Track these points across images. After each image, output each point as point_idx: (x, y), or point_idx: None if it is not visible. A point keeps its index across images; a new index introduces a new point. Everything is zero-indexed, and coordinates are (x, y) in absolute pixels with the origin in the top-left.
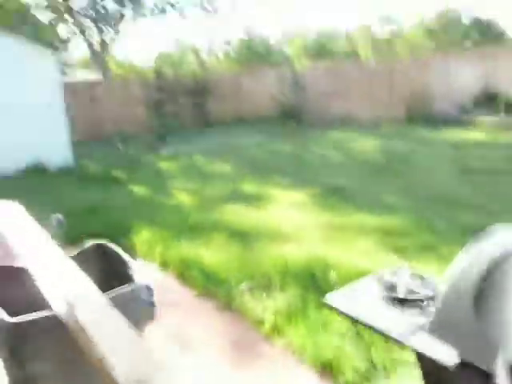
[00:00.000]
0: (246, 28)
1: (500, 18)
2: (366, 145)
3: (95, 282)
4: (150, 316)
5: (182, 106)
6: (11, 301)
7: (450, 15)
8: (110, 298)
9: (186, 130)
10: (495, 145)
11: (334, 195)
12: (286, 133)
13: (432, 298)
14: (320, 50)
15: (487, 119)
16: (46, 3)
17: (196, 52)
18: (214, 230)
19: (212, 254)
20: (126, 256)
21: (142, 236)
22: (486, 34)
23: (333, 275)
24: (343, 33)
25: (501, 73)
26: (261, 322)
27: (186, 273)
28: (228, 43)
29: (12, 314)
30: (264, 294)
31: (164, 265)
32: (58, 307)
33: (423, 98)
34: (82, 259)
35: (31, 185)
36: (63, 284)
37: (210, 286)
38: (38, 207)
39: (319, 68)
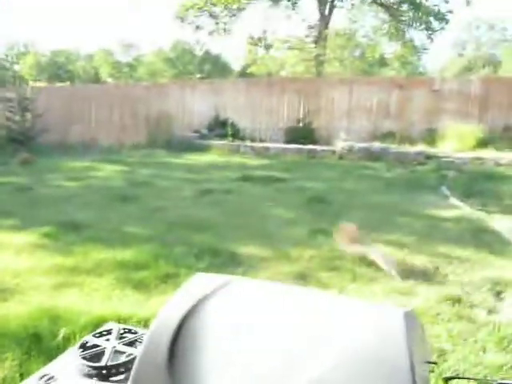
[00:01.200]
0: None
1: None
2: (108, 173)
3: None
4: None
5: None
6: None
7: (184, 47)
8: None
9: None
10: (227, 167)
11: (70, 233)
12: (15, 162)
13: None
14: (56, 71)
15: (219, 143)
16: None
17: None
18: None
19: None
20: None
21: None
22: (215, 66)
23: (62, 331)
24: (82, 55)
25: (228, 102)
26: None
27: None
28: None
29: None
30: None
31: None
32: None
33: (164, 124)
34: None
35: None
36: None
37: None
38: None
39: (56, 89)
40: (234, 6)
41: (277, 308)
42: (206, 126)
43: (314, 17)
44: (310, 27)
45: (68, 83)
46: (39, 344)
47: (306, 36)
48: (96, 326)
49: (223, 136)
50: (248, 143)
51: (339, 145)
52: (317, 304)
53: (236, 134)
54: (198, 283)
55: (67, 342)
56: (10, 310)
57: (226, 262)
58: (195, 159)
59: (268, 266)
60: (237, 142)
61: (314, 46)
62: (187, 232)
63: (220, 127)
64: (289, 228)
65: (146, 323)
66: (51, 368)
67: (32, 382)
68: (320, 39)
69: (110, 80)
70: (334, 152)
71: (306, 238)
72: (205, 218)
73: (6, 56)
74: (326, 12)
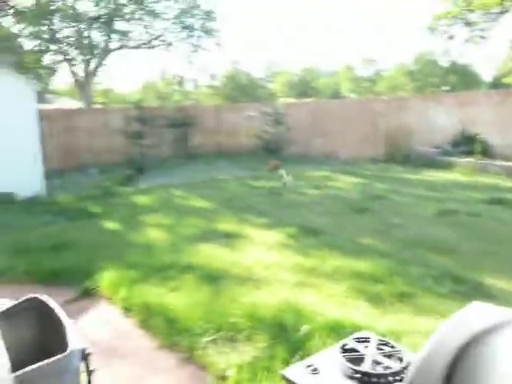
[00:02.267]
0: (232, 63)
1: (476, 62)
2: (345, 184)
3: (28, 342)
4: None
5: (163, 138)
6: None
7: (428, 58)
8: (36, 369)
9: (166, 162)
10: (473, 187)
11: (310, 236)
12: (266, 169)
13: (400, 373)
14: (304, 88)
15: (463, 161)
16: (31, 31)
17: (181, 84)
18: (184, 272)
19: (179, 299)
20: (62, 314)
21: (107, 277)
22: (462, 77)
23: (303, 328)
24: (327, 72)
25: (477, 116)
26: (223, 378)
27: (150, 320)
28: (213, 77)
29: None
30: (229, 346)
31: (127, 310)
32: None
33: (403, 138)
34: (16, 313)
35: None
36: None
37: (174, 335)
38: None
39: (302, 105)
40: (495, 10)
41: None
42: (450, 141)
43: None
44: None
45: (312, 99)
46: (284, 334)
47: None
48: (332, 328)
49: (469, 153)
50: (498, 162)
51: None
52: None
53: (485, 152)
54: (476, 313)
55: (308, 337)
56: (260, 298)
57: (470, 291)
58: (435, 176)
59: None
60: (485, 160)
61: None
62: (425, 252)
63: (466, 143)
64: None
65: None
66: (314, 360)
67: (299, 368)
68: None
69: (350, 95)
70: None
71: None
72: (445, 239)
73: (264, 76)
74: None
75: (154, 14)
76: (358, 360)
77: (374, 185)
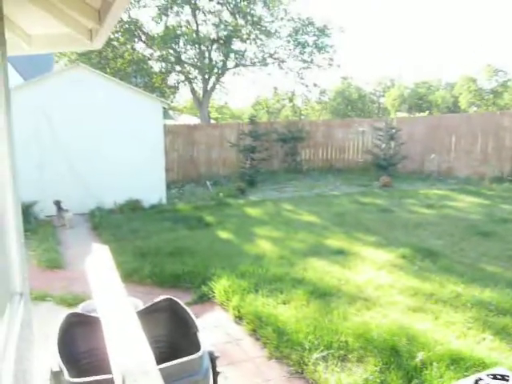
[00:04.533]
0: (343, 77)
1: None
2: (465, 204)
3: (160, 339)
4: None
5: (274, 152)
6: None
7: None
8: (171, 367)
9: (276, 175)
10: None
11: (426, 259)
12: (377, 185)
13: None
14: (418, 101)
15: None
16: (159, 54)
17: (291, 99)
18: (294, 285)
19: (289, 312)
20: (193, 316)
21: (221, 284)
22: None
23: (419, 356)
24: (444, 84)
25: None
26: None
27: (260, 330)
28: (323, 92)
29: None
30: (339, 365)
31: (239, 317)
32: (115, 373)
33: None
34: (151, 313)
35: (125, 219)
36: (124, 348)
37: (283, 347)
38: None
39: (416, 119)
40: None
41: None
42: None
43: None
44: None
45: (426, 113)
46: (398, 359)
47: None
48: (452, 360)
49: None
50: None
51: None
52: None
53: None
54: None
55: (424, 365)
56: (371, 319)
57: None
58: None
59: None
60: None
61: None
62: None
63: None
64: None
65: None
66: None
67: None
68: None
69: (470, 108)
70: None
71: None
72: None
73: (375, 90)
74: None
75: (268, 33)
76: None
77: (498, 206)
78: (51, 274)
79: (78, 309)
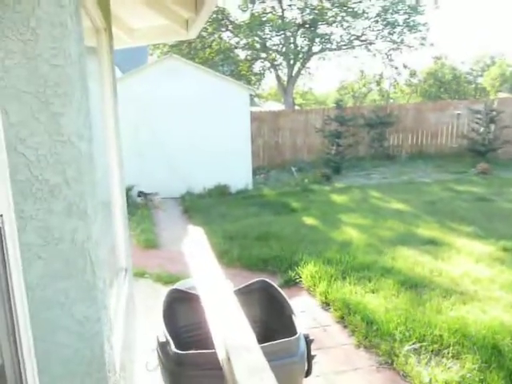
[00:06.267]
0: (436, 57)
1: None
2: None
3: (255, 320)
4: (309, 368)
5: (360, 138)
6: None
7: None
8: (270, 347)
9: (362, 162)
10: None
11: None
12: (474, 172)
13: None
14: None
15: None
16: (245, 42)
17: (379, 83)
18: (383, 274)
19: (378, 301)
20: (287, 299)
21: (308, 270)
22: None
23: None
24: None
25: None
26: None
27: (348, 317)
28: (413, 74)
29: None
30: (433, 360)
31: (326, 303)
32: (219, 347)
33: None
34: (246, 294)
35: (214, 203)
36: (226, 325)
37: (372, 336)
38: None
39: None
40: None
41: None
42: None
43: None
44: None
45: None
46: (500, 358)
47: None
48: None
49: None
50: None
51: None
52: None
53: None
54: None
55: None
56: (468, 314)
57: None
58: None
59: None
60: None
61: None
62: None
63: None
64: None
65: None
66: None
67: None
68: None
69: None
70: None
71: None
72: None
73: (472, 70)
74: None
75: (355, 14)
76: None
77: None
78: (148, 252)
79: (180, 286)
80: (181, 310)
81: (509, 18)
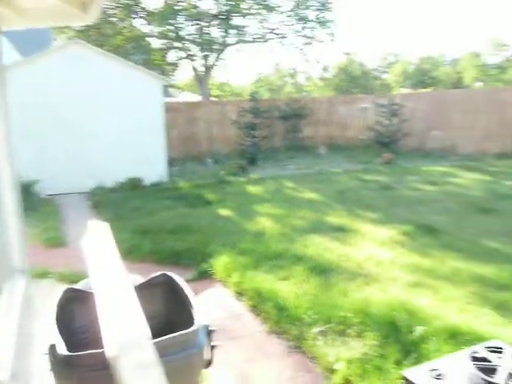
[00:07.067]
0: (346, 53)
1: None
2: (467, 181)
3: (157, 314)
4: (208, 359)
5: (275, 129)
6: None
7: None
8: (166, 341)
9: (277, 153)
10: None
11: (427, 235)
12: (379, 162)
13: None
14: (422, 77)
15: None
16: (158, 31)
17: (293, 76)
18: (294, 262)
19: (289, 288)
20: (189, 291)
21: (221, 261)
22: None
23: (418, 330)
24: (448, 60)
25: None
26: (332, 371)
27: (261, 305)
28: (326, 69)
29: None
30: (339, 340)
31: (239, 293)
32: (109, 348)
33: None
34: (148, 288)
35: (126, 197)
36: (119, 323)
37: (283, 322)
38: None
39: (420, 96)
40: None
41: None
42: None
43: None
44: None
45: (430, 89)
46: (396, 333)
47: None
48: (450, 334)
49: None
50: None
51: None
52: None
53: None
54: None
55: (422, 340)
56: (371, 295)
57: None
58: None
59: None
60: None
61: None
62: None
63: None
64: None
65: None
66: (439, 365)
67: (422, 371)
68: None
69: (474, 84)
70: None
71: None
72: None
73: (378, 66)
74: None
75: (269, 8)
76: (490, 371)
77: (500, 182)
78: (53, 251)
79: (78, 285)
80: (77, 310)
81: (409, 18)
